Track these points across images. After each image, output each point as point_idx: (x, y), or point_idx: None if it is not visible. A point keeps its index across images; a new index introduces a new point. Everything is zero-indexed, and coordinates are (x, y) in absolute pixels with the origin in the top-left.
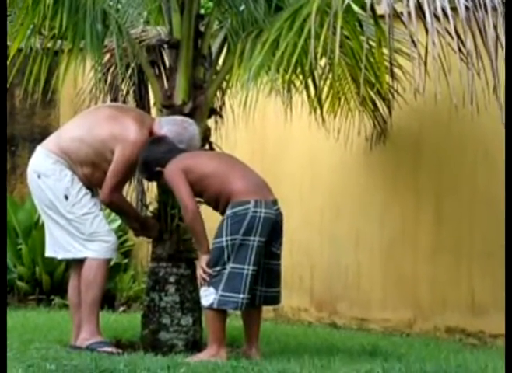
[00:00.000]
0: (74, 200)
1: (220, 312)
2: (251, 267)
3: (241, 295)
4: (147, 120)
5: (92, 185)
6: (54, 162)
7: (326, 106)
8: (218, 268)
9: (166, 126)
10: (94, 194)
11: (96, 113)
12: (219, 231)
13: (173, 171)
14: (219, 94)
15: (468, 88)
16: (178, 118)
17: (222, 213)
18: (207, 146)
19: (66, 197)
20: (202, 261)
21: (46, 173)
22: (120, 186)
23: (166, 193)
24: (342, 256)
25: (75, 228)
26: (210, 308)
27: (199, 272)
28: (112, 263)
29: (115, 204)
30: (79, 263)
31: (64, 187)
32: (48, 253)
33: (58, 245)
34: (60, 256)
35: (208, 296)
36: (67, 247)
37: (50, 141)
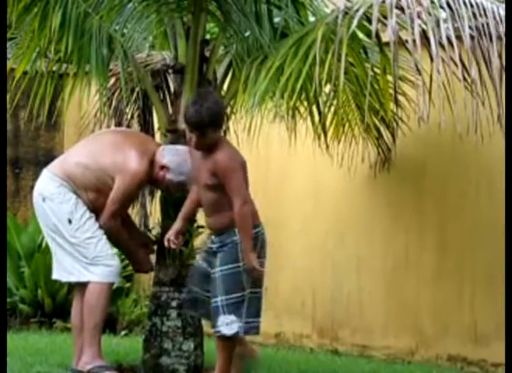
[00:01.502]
0: (77, 223)
1: (235, 340)
2: (261, 289)
3: (259, 319)
4: (150, 147)
5: (97, 210)
6: (59, 185)
7: (330, 133)
8: (238, 294)
9: (168, 156)
10: (98, 218)
11: (100, 139)
12: (233, 256)
13: (239, 162)
14: None
15: (473, 117)
16: (181, 149)
17: (222, 225)
18: None
19: (70, 221)
20: (255, 260)
21: (50, 197)
22: (119, 215)
23: (169, 218)
24: (345, 282)
25: (78, 251)
26: (234, 336)
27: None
28: (114, 286)
29: (111, 231)
30: (83, 286)
31: (67, 211)
32: (54, 276)
33: (62, 268)
34: (64, 279)
35: (231, 324)
36: (70, 270)
37: (55, 165)
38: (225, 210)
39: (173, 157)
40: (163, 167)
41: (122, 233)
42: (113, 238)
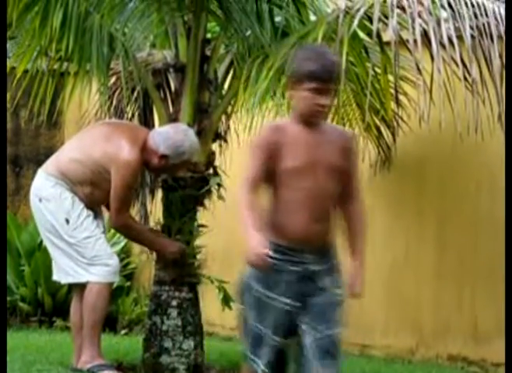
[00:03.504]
0: (75, 223)
1: None
2: None
3: None
4: (140, 135)
5: (94, 204)
6: (54, 185)
7: None
8: None
9: (162, 142)
10: (97, 216)
11: (91, 133)
12: (340, 281)
13: None
14: (224, 118)
15: (473, 116)
16: (171, 130)
17: (329, 237)
18: (211, 170)
19: (67, 221)
20: None
21: (46, 197)
22: (125, 209)
23: (170, 216)
24: None
25: (76, 251)
26: None
27: None
28: (114, 285)
29: (125, 227)
30: (82, 285)
31: (64, 211)
32: (54, 277)
33: (60, 270)
34: (63, 281)
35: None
36: (68, 271)
37: (49, 164)
38: (332, 215)
39: (168, 141)
40: (162, 156)
41: (136, 226)
42: (130, 235)
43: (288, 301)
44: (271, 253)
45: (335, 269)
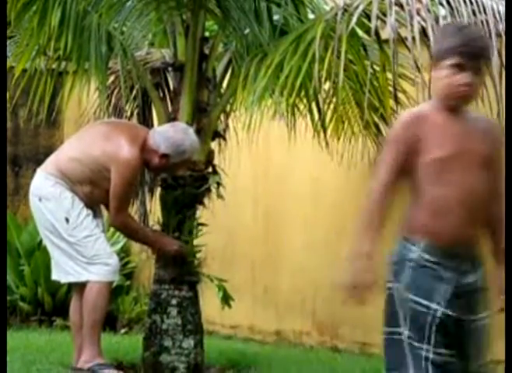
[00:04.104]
0: (75, 222)
1: None
2: None
3: None
4: (140, 134)
5: (94, 203)
6: (53, 184)
7: (329, 130)
8: None
9: (163, 142)
10: (96, 215)
11: (90, 132)
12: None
13: None
14: (222, 117)
15: None
16: (170, 130)
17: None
18: (210, 169)
19: (67, 220)
20: None
21: (46, 196)
22: (124, 208)
23: (169, 215)
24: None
25: (76, 251)
26: None
27: None
28: (114, 284)
29: (124, 225)
30: (81, 284)
31: (64, 210)
32: (53, 277)
33: (60, 269)
34: (63, 280)
35: None
36: (68, 271)
37: (48, 163)
38: (485, 215)
39: (169, 141)
40: (163, 156)
41: (135, 225)
42: (130, 233)
43: (443, 310)
44: (415, 257)
45: (485, 283)
